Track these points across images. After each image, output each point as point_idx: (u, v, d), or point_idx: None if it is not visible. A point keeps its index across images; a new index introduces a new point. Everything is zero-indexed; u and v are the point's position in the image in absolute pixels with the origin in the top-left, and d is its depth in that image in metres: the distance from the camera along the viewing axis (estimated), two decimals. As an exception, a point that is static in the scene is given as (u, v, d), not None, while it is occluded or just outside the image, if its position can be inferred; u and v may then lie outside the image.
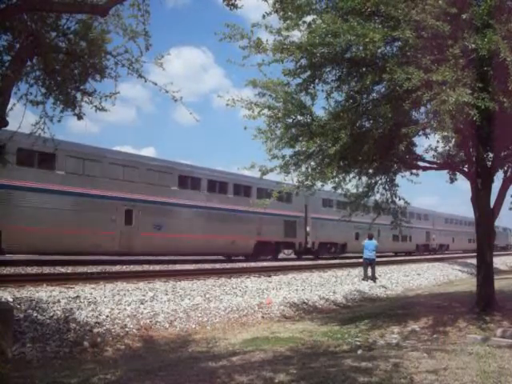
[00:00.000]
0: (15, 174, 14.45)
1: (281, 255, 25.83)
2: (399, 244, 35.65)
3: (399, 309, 10.79)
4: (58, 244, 15.64)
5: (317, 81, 8.38)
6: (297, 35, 7.77)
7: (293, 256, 27.38)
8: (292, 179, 9.34)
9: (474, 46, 6.64)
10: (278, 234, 24.09)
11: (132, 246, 17.90)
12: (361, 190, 10.14)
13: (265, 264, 20.76)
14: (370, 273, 17.28)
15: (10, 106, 5.59)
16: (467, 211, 16.08)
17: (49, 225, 15.32)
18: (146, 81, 6.40)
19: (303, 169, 9.10)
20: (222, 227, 20.82)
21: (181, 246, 19.42)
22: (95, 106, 6.46)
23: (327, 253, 27.98)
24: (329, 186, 9.51)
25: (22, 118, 6.09)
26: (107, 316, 8.37)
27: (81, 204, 16.30)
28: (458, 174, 10.69)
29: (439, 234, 44.27)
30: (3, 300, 7.91)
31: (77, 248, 16.32)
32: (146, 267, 16.60)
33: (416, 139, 9.61)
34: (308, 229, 26.21)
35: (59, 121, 6.40)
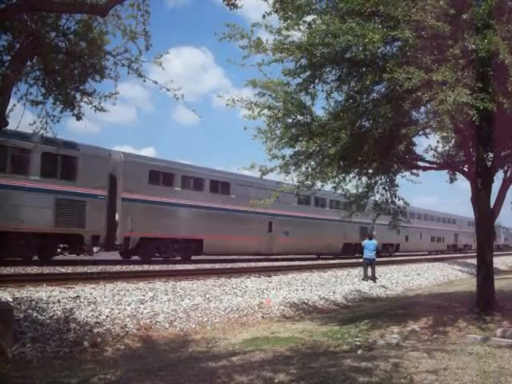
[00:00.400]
0: (208, 199, 21.25)
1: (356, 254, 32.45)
2: (435, 244, 44.49)
3: (399, 309, 10.78)
4: (232, 247, 22.39)
5: (317, 81, 8.37)
6: (297, 35, 7.77)
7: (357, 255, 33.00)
8: (292, 179, 9.37)
9: (473, 46, 6.65)
10: (356, 237, 30.42)
11: (272, 248, 24.57)
12: (360, 190, 10.14)
13: (265, 264, 20.98)
14: (369, 273, 17.29)
15: (10, 107, 5.59)
16: (467, 211, 16.23)
17: (228, 234, 21.54)
18: (144, 80, 6.42)
19: (303, 169, 9.11)
20: (324, 232, 27.52)
21: (299, 247, 26.16)
22: (94, 107, 6.47)
23: (386, 252, 34.59)
24: (329, 186, 9.55)
25: (21, 118, 6.11)
26: (107, 316, 8.36)
27: (244, 218, 22.26)
28: (458, 173, 10.69)
29: (464, 236, 50.49)
30: (3, 300, 7.90)
31: (242, 250, 23.19)
32: (146, 267, 16.60)
33: (416, 139, 9.64)
34: (374, 233, 31.43)
35: (58, 121, 6.42)
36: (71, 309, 8.21)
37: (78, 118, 6.44)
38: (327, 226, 27.84)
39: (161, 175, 19.49)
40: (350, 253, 30.77)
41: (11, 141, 14.40)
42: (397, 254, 36.63)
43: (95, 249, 18.03)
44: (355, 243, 30.84)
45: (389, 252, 35.41)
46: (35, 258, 16.28)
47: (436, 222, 44.86)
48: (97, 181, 16.94)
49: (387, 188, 10.31)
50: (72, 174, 16.36)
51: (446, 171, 10.95)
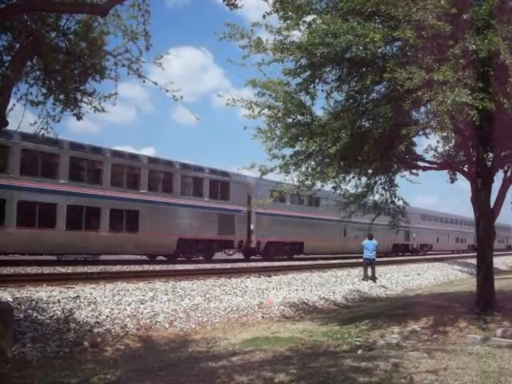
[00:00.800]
0: (307, 211, 28.21)
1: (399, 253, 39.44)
2: (458, 244, 51.68)
3: (399, 309, 10.78)
4: (322, 248, 29.07)
5: (317, 80, 8.36)
6: (297, 35, 7.77)
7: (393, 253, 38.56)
8: (292, 179, 9.37)
9: (474, 46, 6.64)
10: (402, 239, 37.69)
11: (345, 248, 31.28)
12: (360, 190, 10.13)
13: (265, 264, 20.98)
14: (369, 273, 17.28)
15: (10, 106, 5.59)
16: (467, 211, 16.34)
17: (319, 237, 28.23)
18: (144, 81, 6.42)
19: (303, 169, 9.10)
20: (380, 235, 31.64)
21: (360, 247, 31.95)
22: (94, 107, 6.47)
23: (422, 251, 42.58)
24: (329, 186, 9.56)
25: (22, 118, 6.11)
26: (107, 316, 8.36)
27: (328, 225, 28.88)
28: (458, 173, 10.68)
29: None
30: (3, 300, 7.90)
31: (327, 250, 29.78)
32: (146, 267, 16.61)
33: (416, 139, 9.63)
34: (414, 235, 40.03)
35: (58, 121, 6.42)
36: (71, 309, 8.21)
37: (79, 117, 6.45)
38: (382, 230, 31.49)
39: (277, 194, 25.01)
40: (398, 251, 38.51)
41: (192, 172, 21.99)
42: (429, 252, 44.53)
43: (232, 251, 24.49)
44: (401, 244, 38.93)
45: (424, 251, 42.97)
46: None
47: (459, 224, 51.56)
48: (240, 200, 24.01)
49: (387, 188, 10.31)
50: (226, 195, 23.43)
51: (446, 171, 10.94)
